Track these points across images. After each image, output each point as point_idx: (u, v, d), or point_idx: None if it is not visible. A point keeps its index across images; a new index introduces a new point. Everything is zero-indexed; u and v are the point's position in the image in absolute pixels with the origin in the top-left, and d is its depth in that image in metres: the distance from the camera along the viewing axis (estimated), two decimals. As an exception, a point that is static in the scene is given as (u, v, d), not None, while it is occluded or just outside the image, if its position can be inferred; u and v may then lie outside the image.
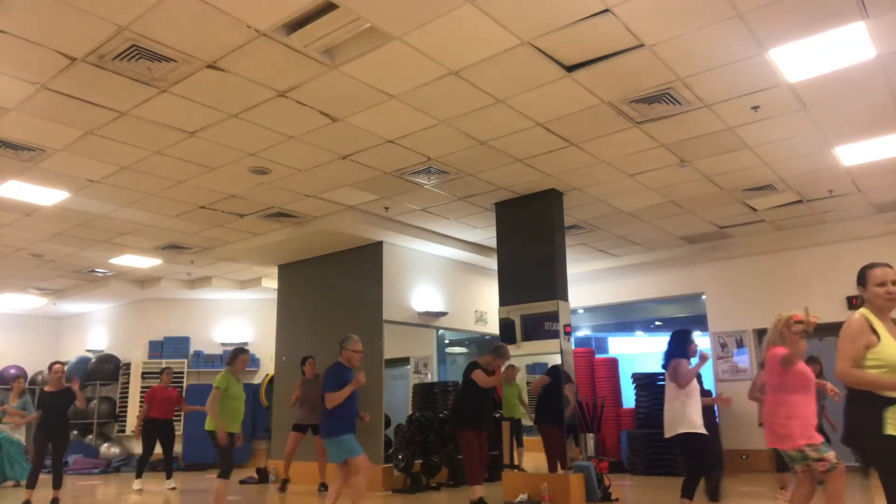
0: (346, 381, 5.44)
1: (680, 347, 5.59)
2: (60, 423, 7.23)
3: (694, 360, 5.59)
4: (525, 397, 7.92)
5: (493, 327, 9.60)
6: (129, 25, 4.13)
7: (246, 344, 12.77)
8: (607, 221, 8.72)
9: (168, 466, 8.96)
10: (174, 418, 9.24)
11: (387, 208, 8.09)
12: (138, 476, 8.82)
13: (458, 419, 6.80)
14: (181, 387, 11.97)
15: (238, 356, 6.30)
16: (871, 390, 2.89)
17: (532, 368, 7.84)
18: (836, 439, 3.95)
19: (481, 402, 6.71)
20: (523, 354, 7.62)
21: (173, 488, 8.77)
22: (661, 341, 12.50)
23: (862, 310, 3.11)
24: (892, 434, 2.83)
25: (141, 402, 10.77)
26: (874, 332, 2.99)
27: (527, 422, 7.90)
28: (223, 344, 12.70)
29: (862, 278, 3.16)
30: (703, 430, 5.33)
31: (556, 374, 7.20)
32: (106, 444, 12.24)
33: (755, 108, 5.50)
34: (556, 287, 7.37)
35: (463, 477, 7.72)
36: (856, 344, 2.97)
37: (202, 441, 11.31)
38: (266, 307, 12.23)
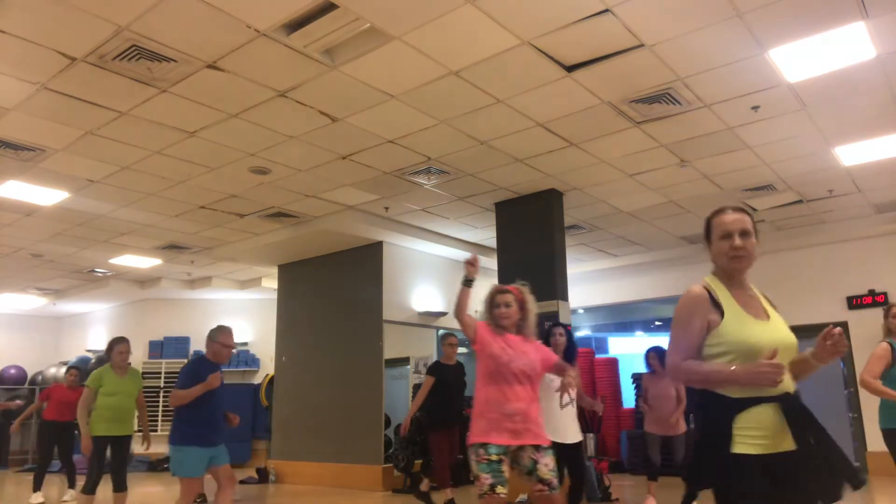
0: (203, 378, 4.46)
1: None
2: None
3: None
4: None
5: (493, 327, 9.59)
6: (129, 25, 4.13)
7: (245, 344, 12.78)
8: (607, 221, 8.72)
9: (70, 476, 7.94)
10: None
11: (387, 208, 8.09)
12: (37, 488, 7.70)
13: (427, 421, 6.69)
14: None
15: (114, 347, 5.56)
16: (710, 389, 2.11)
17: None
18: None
19: (446, 400, 6.52)
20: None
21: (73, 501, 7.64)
22: (661, 341, 12.53)
23: (708, 276, 2.32)
24: (744, 452, 1.97)
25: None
26: (716, 305, 2.16)
27: None
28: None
29: (706, 229, 2.36)
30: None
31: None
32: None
33: (755, 108, 5.50)
34: (556, 287, 7.37)
35: (463, 477, 7.71)
36: (689, 328, 2.15)
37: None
38: (266, 307, 12.23)
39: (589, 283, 11.01)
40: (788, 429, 2.00)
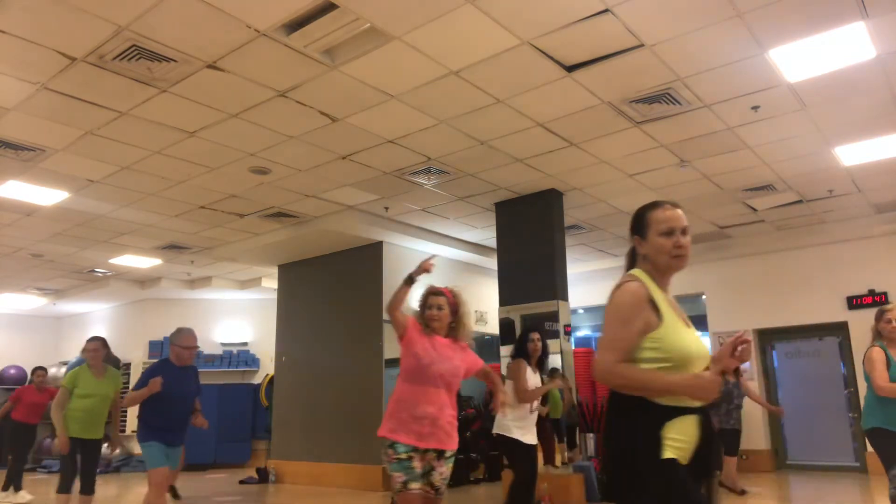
0: (156, 375, 4.55)
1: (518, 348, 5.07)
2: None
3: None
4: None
5: (493, 327, 9.59)
6: (129, 25, 4.13)
7: (245, 344, 12.78)
8: (607, 221, 8.72)
9: (17, 476, 7.79)
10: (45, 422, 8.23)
11: (387, 208, 8.09)
12: (17, 488, 7.68)
13: None
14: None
15: (86, 346, 5.48)
16: (645, 396, 1.95)
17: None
18: None
19: None
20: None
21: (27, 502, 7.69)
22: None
23: (638, 272, 2.12)
24: (673, 458, 1.90)
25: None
26: (654, 307, 2.01)
27: None
28: (223, 344, 12.70)
29: (640, 223, 2.14)
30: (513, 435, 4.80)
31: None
32: (106, 444, 12.21)
33: (755, 108, 5.50)
34: (556, 287, 7.37)
35: (463, 475, 7.70)
36: (630, 328, 1.98)
37: (201, 441, 11.43)
38: (266, 307, 12.23)
39: (589, 283, 11.00)
40: (698, 441, 1.99)
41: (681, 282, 10.23)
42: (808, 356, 9.37)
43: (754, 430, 9.21)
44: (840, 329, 8.93)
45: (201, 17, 4.06)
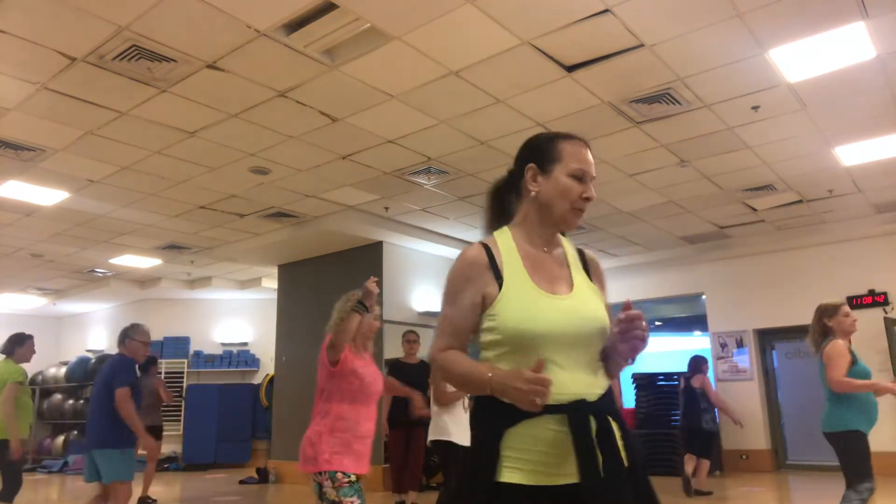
0: (133, 378, 4.38)
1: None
2: None
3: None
4: None
5: (493, 327, 9.61)
6: (129, 25, 4.13)
7: (245, 344, 12.78)
8: (607, 221, 8.71)
9: None
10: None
11: (387, 208, 8.09)
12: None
13: (388, 421, 6.49)
14: (181, 387, 11.97)
15: (25, 342, 5.19)
16: (476, 394, 1.52)
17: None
18: None
19: (404, 400, 6.13)
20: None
21: None
22: (661, 341, 12.56)
23: (500, 234, 1.64)
24: (514, 483, 1.42)
25: None
26: (494, 270, 1.55)
27: None
28: (223, 344, 12.70)
29: (544, 153, 1.65)
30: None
31: None
32: None
33: (755, 108, 5.50)
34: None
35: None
36: (457, 305, 1.55)
37: (201, 441, 11.44)
38: (266, 307, 12.22)
39: (589, 283, 10.99)
40: (587, 451, 1.43)
41: (681, 282, 10.26)
42: (808, 356, 9.27)
43: (754, 430, 9.21)
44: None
45: (201, 17, 4.06)
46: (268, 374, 11.74)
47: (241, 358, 12.54)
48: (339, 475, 3.03)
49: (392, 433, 6.42)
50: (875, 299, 8.63)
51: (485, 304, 1.53)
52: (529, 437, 1.44)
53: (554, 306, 1.52)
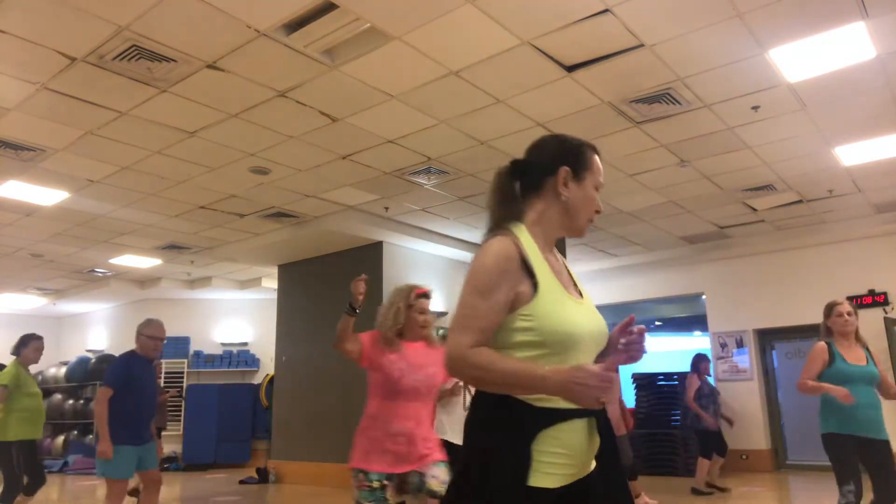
0: (132, 374, 4.36)
1: None
2: None
3: None
4: None
5: (493, 327, 9.61)
6: (129, 25, 4.13)
7: (245, 344, 12.78)
8: (607, 221, 8.71)
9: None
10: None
11: (387, 208, 8.09)
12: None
13: None
14: (181, 387, 11.97)
15: (30, 343, 5.25)
16: (510, 394, 1.47)
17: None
18: None
19: None
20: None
21: None
22: (661, 341, 12.56)
23: (517, 226, 1.59)
24: (544, 487, 1.43)
25: None
26: (528, 272, 1.52)
27: None
28: (223, 344, 12.71)
29: (581, 160, 1.67)
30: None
31: None
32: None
33: (755, 108, 5.50)
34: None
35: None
36: (492, 300, 1.48)
37: (201, 441, 11.43)
38: (266, 307, 12.23)
39: (589, 283, 10.91)
40: (593, 451, 1.52)
41: (681, 282, 10.27)
42: (808, 356, 9.35)
43: (754, 430, 9.21)
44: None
45: (201, 17, 4.06)
46: (268, 374, 11.74)
47: (241, 358, 12.54)
48: (360, 476, 2.98)
49: None
50: (875, 299, 8.63)
51: (515, 303, 1.49)
52: (561, 440, 1.46)
53: (580, 310, 1.56)
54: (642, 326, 1.53)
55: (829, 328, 4.07)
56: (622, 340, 1.54)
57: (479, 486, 1.44)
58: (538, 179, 1.63)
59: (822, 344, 4.01)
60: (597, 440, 1.54)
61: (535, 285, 1.50)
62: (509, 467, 1.42)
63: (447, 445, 4.49)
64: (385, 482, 2.97)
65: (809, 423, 9.12)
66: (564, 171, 1.62)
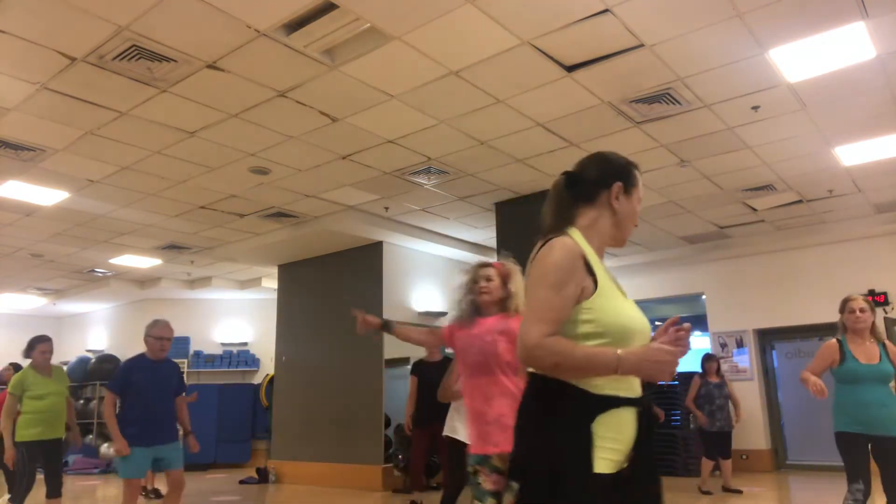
0: (134, 378, 4.43)
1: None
2: None
3: None
4: None
5: (493, 327, 9.61)
6: (129, 25, 4.13)
7: (245, 344, 12.78)
8: (607, 221, 8.71)
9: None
10: None
11: (387, 208, 8.09)
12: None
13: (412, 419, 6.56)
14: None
15: (36, 346, 5.34)
16: (573, 380, 1.58)
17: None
18: None
19: (424, 398, 6.35)
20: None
21: None
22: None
23: (573, 230, 1.75)
24: (603, 472, 1.54)
25: None
26: (588, 268, 1.66)
27: None
28: (223, 344, 12.70)
29: (631, 177, 1.82)
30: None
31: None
32: (106, 444, 12.23)
33: (755, 108, 5.50)
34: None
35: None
36: (564, 293, 1.61)
37: (201, 441, 11.39)
38: (266, 307, 12.23)
39: (589, 283, 11.00)
40: (632, 441, 1.63)
41: (681, 282, 10.26)
42: (808, 356, 9.29)
43: (754, 430, 9.21)
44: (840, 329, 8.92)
45: (201, 17, 4.06)
46: (268, 374, 11.74)
47: (241, 358, 12.54)
48: (469, 457, 2.91)
49: (415, 432, 6.43)
50: (875, 299, 8.62)
51: (580, 297, 1.63)
52: (613, 426, 1.58)
53: (631, 306, 1.72)
54: (688, 324, 1.61)
55: (843, 324, 4.02)
56: (667, 337, 1.63)
57: (550, 465, 1.54)
58: (591, 191, 1.79)
59: (832, 342, 3.96)
60: (637, 430, 1.65)
61: (595, 281, 1.65)
62: (576, 449, 1.54)
63: (456, 445, 4.49)
64: (477, 466, 2.85)
65: (809, 424, 9.18)
66: (618, 186, 1.78)
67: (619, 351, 1.55)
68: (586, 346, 1.60)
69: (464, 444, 4.35)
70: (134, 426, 4.30)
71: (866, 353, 3.88)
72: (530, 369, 1.67)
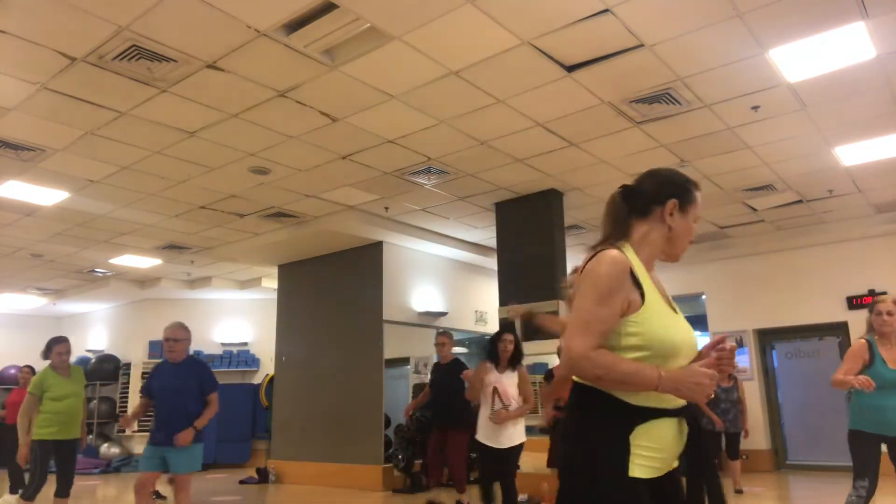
0: (152, 382, 4.70)
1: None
2: None
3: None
4: None
5: (493, 327, 9.60)
6: (129, 25, 4.13)
7: (245, 344, 12.78)
8: (607, 221, 8.71)
9: (18, 480, 7.05)
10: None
11: (387, 208, 8.09)
12: (12, 492, 6.97)
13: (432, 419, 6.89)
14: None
15: (53, 347, 5.38)
16: (617, 392, 1.64)
17: (532, 369, 7.84)
18: None
19: (434, 401, 6.70)
20: (526, 354, 7.63)
21: None
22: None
23: (624, 244, 1.79)
24: (638, 477, 1.60)
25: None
26: (636, 282, 1.69)
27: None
28: (223, 344, 12.70)
29: (688, 195, 1.86)
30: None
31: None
32: (106, 444, 12.24)
33: (755, 108, 5.50)
34: (556, 287, 7.36)
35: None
36: (611, 306, 1.64)
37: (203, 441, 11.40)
38: (266, 307, 12.23)
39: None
40: (679, 448, 1.70)
41: (681, 282, 10.25)
42: (808, 356, 9.36)
43: (754, 430, 9.20)
44: (840, 329, 8.93)
45: (201, 17, 4.06)
46: (268, 374, 11.74)
47: (241, 358, 12.54)
48: None
49: (432, 433, 6.71)
50: (875, 299, 8.61)
51: (627, 310, 1.66)
52: (653, 435, 1.63)
53: (678, 322, 1.75)
54: (734, 344, 1.69)
55: (871, 324, 3.96)
56: (713, 354, 1.68)
57: (588, 469, 1.62)
58: (646, 206, 1.82)
59: (862, 342, 3.88)
60: (684, 439, 1.71)
61: (642, 295, 1.68)
62: (613, 454, 1.60)
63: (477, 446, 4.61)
64: None
65: (810, 424, 9.17)
66: (672, 202, 1.81)
67: (660, 370, 1.60)
68: (629, 360, 1.63)
69: (497, 450, 4.58)
70: (154, 425, 4.62)
71: (894, 357, 3.82)
72: (575, 378, 1.72)
